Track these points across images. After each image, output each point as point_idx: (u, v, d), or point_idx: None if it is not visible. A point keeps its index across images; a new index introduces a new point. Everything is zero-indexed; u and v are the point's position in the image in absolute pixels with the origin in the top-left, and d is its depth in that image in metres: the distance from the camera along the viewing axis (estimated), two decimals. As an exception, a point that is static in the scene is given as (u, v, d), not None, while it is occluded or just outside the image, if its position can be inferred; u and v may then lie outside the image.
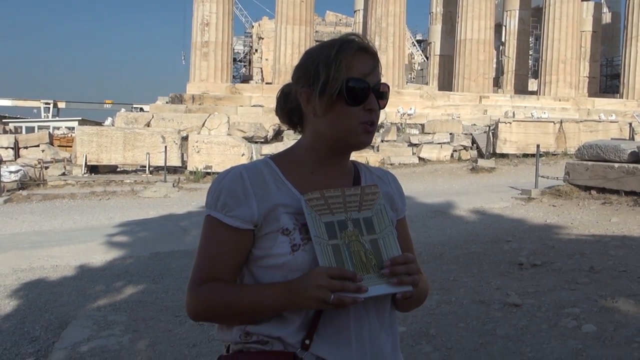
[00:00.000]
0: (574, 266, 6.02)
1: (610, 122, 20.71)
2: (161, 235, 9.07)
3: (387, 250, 1.32)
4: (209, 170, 15.90)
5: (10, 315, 5.32)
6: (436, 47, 32.71)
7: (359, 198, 1.35)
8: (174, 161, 16.64)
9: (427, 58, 38.20)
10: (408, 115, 22.05)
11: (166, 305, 5.35)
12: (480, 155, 19.27)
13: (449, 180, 15.57)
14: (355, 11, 35.16)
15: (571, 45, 27.11)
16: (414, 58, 46.24)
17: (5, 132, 22.89)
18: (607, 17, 36.92)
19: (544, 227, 8.67)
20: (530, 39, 35.51)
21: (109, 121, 24.26)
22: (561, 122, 19.43)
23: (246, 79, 46.25)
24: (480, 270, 6.10)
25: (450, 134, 20.05)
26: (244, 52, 49.66)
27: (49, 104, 51.07)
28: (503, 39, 32.85)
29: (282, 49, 24.99)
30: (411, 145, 19.64)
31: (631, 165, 10.21)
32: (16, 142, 19.49)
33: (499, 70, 34.27)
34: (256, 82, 40.42)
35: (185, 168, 16.70)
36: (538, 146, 13.88)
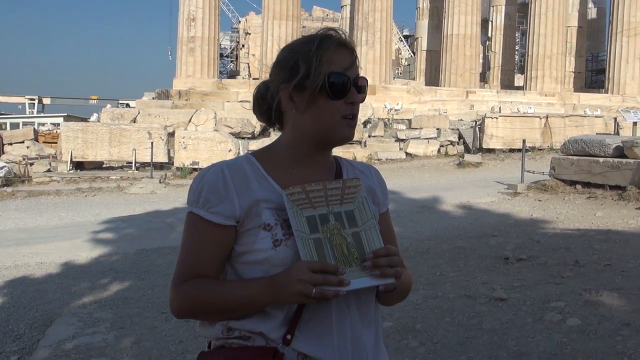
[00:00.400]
0: (559, 260, 6.06)
1: (596, 117, 20.87)
2: (147, 231, 9.03)
3: (370, 243, 1.31)
4: (195, 167, 15.84)
5: (-6, 313, 5.27)
6: (423, 43, 32.76)
7: (341, 191, 1.35)
8: (161, 157, 16.58)
9: (414, 53, 38.24)
10: (395, 110, 22.02)
11: (152, 302, 5.32)
12: (467, 150, 19.35)
13: (436, 176, 15.62)
14: (342, 6, 35.22)
15: (557, 40, 27.31)
16: (401, 53, 46.30)
17: (-11, 128, 22.70)
18: (592, 13, 37.17)
19: (529, 222, 8.72)
20: (517, 34, 35.67)
21: (94, 117, 24.13)
22: (547, 117, 19.55)
23: (233, 74, 46.09)
24: (467, 265, 6.13)
25: (437, 129, 20.11)
26: (230, 48, 49.44)
27: (33, 99, 50.53)
28: (489, 34, 33.00)
29: (268, 44, 24.93)
30: (398, 140, 19.68)
31: (616, 159, 10.30)
32: (0, 138, 19.33)
33: (486, 66, 34.42)
34: (243, 78, 40.32)
35: (172, 164, 16.65)
36: (524, 141, 13.95)
